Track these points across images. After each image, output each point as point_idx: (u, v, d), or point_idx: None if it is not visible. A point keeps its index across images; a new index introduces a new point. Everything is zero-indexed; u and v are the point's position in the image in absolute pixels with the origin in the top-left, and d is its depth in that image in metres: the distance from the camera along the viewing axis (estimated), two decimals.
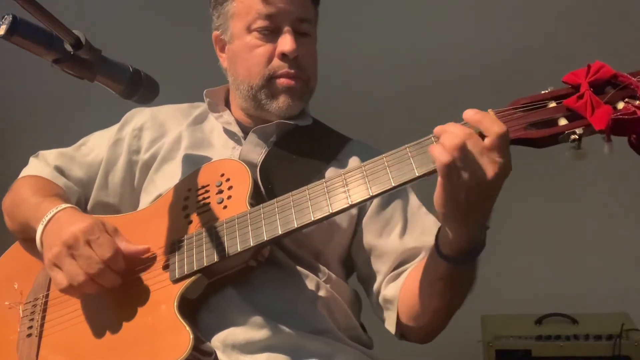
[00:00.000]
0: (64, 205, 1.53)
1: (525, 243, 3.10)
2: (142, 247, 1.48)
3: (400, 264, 1.58)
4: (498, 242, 3.00)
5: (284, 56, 1.61)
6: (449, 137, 1.20)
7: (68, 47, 1.28)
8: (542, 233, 3.12)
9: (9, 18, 1.22)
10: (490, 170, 1.19)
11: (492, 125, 1.19)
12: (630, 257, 3.06)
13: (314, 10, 1.69)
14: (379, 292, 1.59)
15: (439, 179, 1.22)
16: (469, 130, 1.20)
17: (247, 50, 1.64)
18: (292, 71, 1.61)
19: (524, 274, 3.08)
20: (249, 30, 1.63)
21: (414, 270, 1.51)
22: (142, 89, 1.43)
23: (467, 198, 1.21)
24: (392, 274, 1.58)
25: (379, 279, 1.60)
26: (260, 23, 1.61)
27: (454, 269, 1.35)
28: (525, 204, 3.09)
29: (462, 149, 1.18)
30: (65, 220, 1.48)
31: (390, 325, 1.57)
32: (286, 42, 1.60)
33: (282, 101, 1.63)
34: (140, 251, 1.47)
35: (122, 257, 1.43)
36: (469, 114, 1.23)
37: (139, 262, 1.48)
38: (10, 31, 1.22)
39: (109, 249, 1.40)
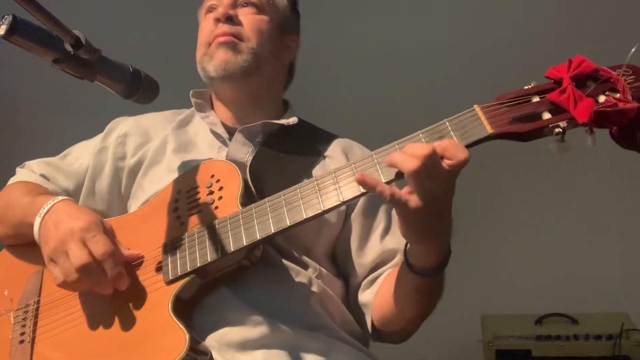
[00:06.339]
0: (61, 197, 1.52)
1: (525, 243, 3.12)
2: (135, 252, 1.47)
3: (377, 266, 1.60)
4: (498, 243, 3.05)
5: (216, 20, 1.68)
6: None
7: (68, 47, 1.28)
8: (542, 233, 3.13)
9: (9, 18, 1.22)
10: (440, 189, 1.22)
11: (457, 152, 1.21)
12: (630, 257, 3.06)
13: None
14: (355, 295, 1.61)
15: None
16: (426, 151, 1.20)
17: (199, 32, 1.75)
18: (224, 28, 1.66)
19: (524, 274, 3.09)
20: (205, 14, 1.75)
21: (387, 280, 1.53)
22: (142, 89, 1.43)
23: (425, 218, 1.24)
24: (368, 278, 1.60)
25: (356, 280, 1.62)
26: (209, 2, 1.74)
27: (427, 280, 1.39)
28: (525, 205, 3.11)
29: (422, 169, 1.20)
30: (63, 214, 1.46)
31: (367, 328, 1.59)
32: (218, 8, 1.69)
33: (217, 58, 1.66)
34: (132, 257, 1.46)
35: (117, 258, 1.40)
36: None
37: (132, 265, 1.47)
38: (10, 31, 1.22)
39: (103, 247, 1.38)
